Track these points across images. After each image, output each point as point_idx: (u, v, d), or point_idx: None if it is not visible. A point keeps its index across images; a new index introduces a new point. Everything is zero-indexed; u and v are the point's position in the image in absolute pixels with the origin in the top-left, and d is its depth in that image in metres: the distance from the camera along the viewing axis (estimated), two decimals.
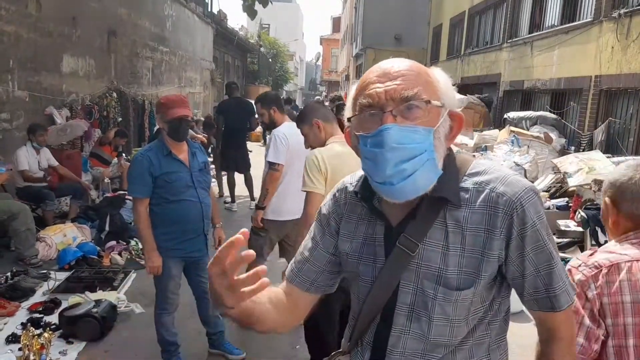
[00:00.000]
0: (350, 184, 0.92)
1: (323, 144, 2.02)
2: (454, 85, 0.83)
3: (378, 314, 0.82)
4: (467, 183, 0.79)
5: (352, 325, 0.87)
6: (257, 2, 7.91)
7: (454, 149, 0.84)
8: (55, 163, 4.55)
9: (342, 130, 7.01)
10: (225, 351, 2.52)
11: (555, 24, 7.32)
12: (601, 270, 0.98)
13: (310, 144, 2.09)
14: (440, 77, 0.79)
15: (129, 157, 6.50)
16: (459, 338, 0.80)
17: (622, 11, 5.50)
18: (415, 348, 0.80)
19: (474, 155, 6.20)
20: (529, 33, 8.17)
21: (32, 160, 4.28)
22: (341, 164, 1.87)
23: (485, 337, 0.82)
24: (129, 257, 3.85)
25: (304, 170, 1.92)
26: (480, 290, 0.78)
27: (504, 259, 0.78)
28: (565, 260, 4.24)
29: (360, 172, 0.90)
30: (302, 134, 2.13)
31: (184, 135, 2.24)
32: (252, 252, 0.66)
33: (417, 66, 0.78)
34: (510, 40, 8.86)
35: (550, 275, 0.78)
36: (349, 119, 0.81)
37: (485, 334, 0.82)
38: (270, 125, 2.97)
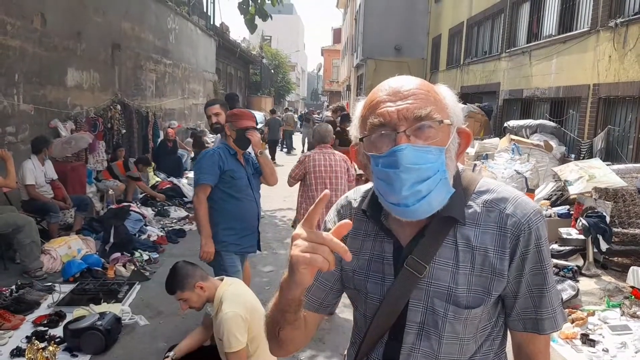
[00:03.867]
0: (354, 199, 0.90)
1: (207, 300, 1.95)
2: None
3: (386, 332, 0.82)
4: (476, 202, 0.79)
5: (359, 342, 0.86)
6: (257, 17, 8.05)
7: (460, 167, 0.84)
8: (55, 176, 4.57)
9: (345, 142, 7.03)
10: None
11: (553, 34, 7.41)
12: None
13: (191, 306, 1.97)
14: (448, 95, 0.79)
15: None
16: (468, 355, 0.80)
17: (618, 20, 5.57)
18: None
19: (475, 164, 6.23)
20: (527, 43, 8.26)
21: (38, 173, 4.32)
22: (245, 299, 1.96)
23: (489, 353, 0.83)
24: (134, 269, 3.85)
25: (230, 331, 1.79)
26: (488, 308, 0.80)
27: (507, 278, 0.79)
28: (568, 268, 4.18)
29: (363, 188, 0.90)
30: (182, 299, 1.95)
31: (247, 144, 2.50)
32: (349, 222, 0.65)
33: (426, 85, 0.77)
34: (508, 50, 8.95)
35: (541, 299, 0.79)
36: (360, 139, 0.79)
37: (490, 349, 0.83)
38: (222, 128, 2.96)
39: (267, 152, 2.91)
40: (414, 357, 0.81)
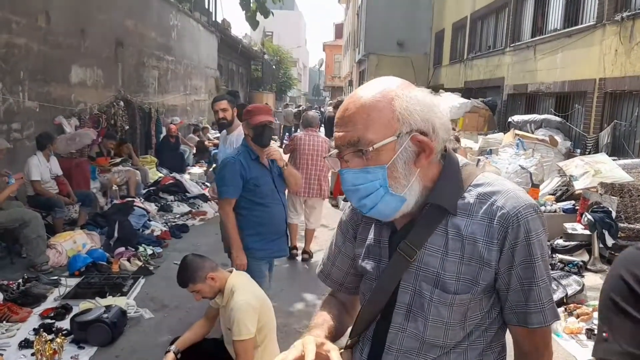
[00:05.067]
0: None
1: (218, 290, 1.98)
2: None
3: (379, 312, 0.86)
4: (471, 193, 0.82)
5: (355, 321, 0.91)
6: (258, 13, 8.02)
7: (462, 160, 0.86)
8: (60, 172, 4.59)
9: None
10: None
11: (558, 28, 7.34)
12: None
13: (204, 296, 2.00)
14: (405, 104, 0.78)
15: (136, 165, 6.58)
16: (454, 341, 0.82)
17: (624, 14, 5.51)
18: (412, 346, 0.83)
19: (478, 159, 6.21)
20: (532, 37, 8.19)
21: (43, 169, 4.34)
22: (255, 289, 2.00)
23: (480, 343, 0.84)
24: (142, 265, 3.84)
25: (241, 320, 1.81)
26: (479, 297, 0.81)
27: (497, 269, 0.80)
28: (573, 263, 4.18)
29: None
30: (194, 291, 1.97)
31: (267, 140, 2.34)
32: None
33: (371, 102, 0.78)
34: (513, 45, 8.88)
35: (530, 293, 0.80)
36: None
37: (481, 340, 0.84)
38: (229, 124, 3.13)
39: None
40: (401, 337, 0.84)
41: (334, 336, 0.90)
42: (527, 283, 0.79)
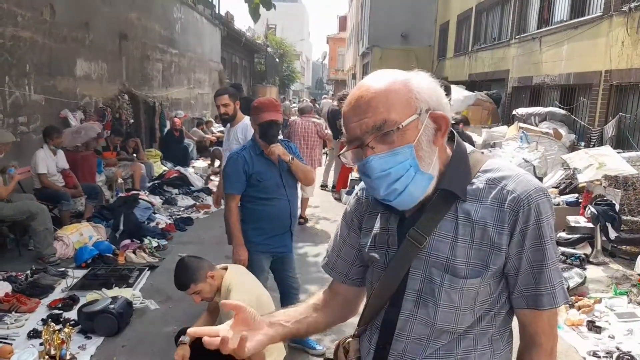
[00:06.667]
0: None
1: (217, 289, 2.00)
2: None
3: (388, 300, 0.87)
4: (480, 179, 0.82)
5: (363, 309, 0.92)
6: (261, 6, 7.96)
7: (469, 148, 0.87)
8: (66, 166, 4.64)
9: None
10: (307, 346, 2.56)
11: (565, 19, 7.25)
12: None
13: (204, 297, 1.99)
14: (419, 84, 0.80)
15: (141, 159, 6.62)
16: (464, 326, 0.83)
17: (632, 5, 5.43)
18: (422, 333, 0.84)
19: (482, 152, 6.20)
20: (538, 28, 8.09)
21: (50, 162, 4.39)
22: (252, 286, 2.01)
23: (489, 328, 0.84)
24: (148, 257, 3.88)
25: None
26: (488, 282, 0.81)
27: (507, 253, 0.81)
28: (575, 256, 4.17)
29: None
30: (195, 292, 1.98)
31: (273, 138, 2.27)
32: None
33: (386, 86, 0.79)
34: (518, 36, 8.78)
35: (541, 275, 0.80)
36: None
37: (490, 325, 0.84)
38: (231, 118, 3.13)
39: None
40: (412, 323, 0.85)
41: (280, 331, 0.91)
42: (537, 265, 0.80)
